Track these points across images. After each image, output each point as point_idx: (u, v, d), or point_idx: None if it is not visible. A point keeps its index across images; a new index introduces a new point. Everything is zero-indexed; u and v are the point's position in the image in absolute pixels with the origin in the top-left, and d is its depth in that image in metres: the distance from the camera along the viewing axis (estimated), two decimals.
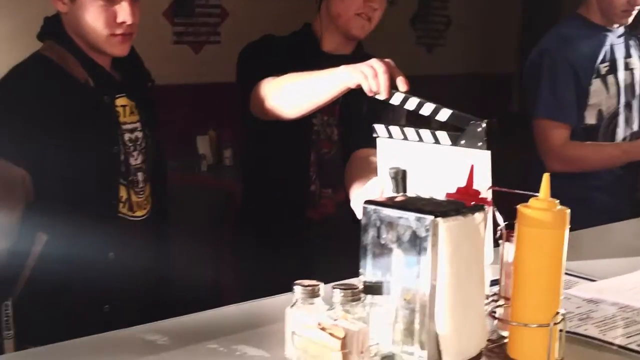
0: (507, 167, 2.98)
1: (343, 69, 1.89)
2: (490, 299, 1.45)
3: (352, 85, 1.86)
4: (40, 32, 2.01)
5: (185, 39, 4.92)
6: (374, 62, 1.82)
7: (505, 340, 1.39)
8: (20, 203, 1.81)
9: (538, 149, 3.06)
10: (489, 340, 1.39)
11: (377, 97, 1.81)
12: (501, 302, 1.43)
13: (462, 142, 1.61)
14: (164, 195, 2.11)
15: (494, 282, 1.47)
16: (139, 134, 2.04)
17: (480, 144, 1.57)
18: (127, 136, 2.00)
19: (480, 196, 1.41)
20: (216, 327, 1.60)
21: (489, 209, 1.41)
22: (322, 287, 1.33)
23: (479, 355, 1.32)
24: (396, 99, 1.79)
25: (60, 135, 1.84)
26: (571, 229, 1.30)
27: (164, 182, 2.11)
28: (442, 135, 1.65)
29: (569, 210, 1.28)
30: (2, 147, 1.77)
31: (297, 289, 1.32)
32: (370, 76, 1.79)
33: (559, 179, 2.92)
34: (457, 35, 6.40)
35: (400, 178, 1.67)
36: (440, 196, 1.40)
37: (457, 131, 1.64)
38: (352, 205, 1.96)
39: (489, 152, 1.56)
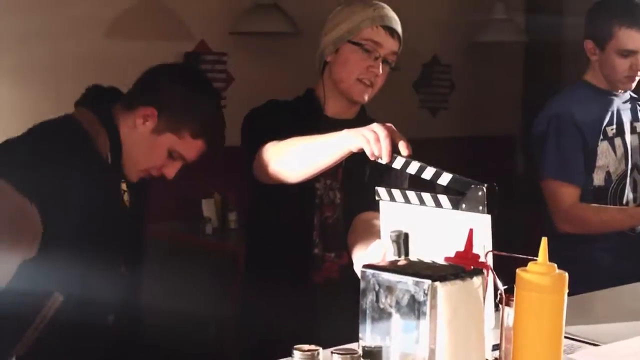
0: (513, 229, 3.01)
1: (345, 133, 1.91)
2: None
3: (355, 149, 1.87)
4: (81, 101, 2.04)
5: None
6: (375, 126, 1.83)
7: None
8: (20, 256, 1.79)
9: (549, 210, 3.08)
10: None
11: (379, 161, 1.83)
12: None
13: (463, 206, 1.62)
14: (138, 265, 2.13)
15: (496, 347, 1.47)
16: (130, 213, 2.09)
17: (480, 207, 1.58)
18: (124, 212, 2.06)
19: (479, 260, 1.42)
20: None
21: (489, 273, 1.42)
22: (322, 352, 1.33)
23: None
24: (398, 163, 1.80)
25: (75, 205, 1.85)
26: (577, 292, 1.30)
27: (141, 253, 2.14)
28: (444, 199, 1.67)
29: (566, 274, 1.29)
30: (26, 194, 1.78)
31: (297, 354, 1.32)
32: (372, 140, 1.80)
33: (567, 239, 2.96)
34: (461, 99, 6.46)
35: (402, 241, 1.68)
36: (441, 260, 1.41)
37: (459, 195, 1.66)
38: (355, 268, 1.96)
39: (489, 216, 1.57)
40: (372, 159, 1.83)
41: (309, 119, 2.39)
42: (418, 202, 1.70)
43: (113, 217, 1.98)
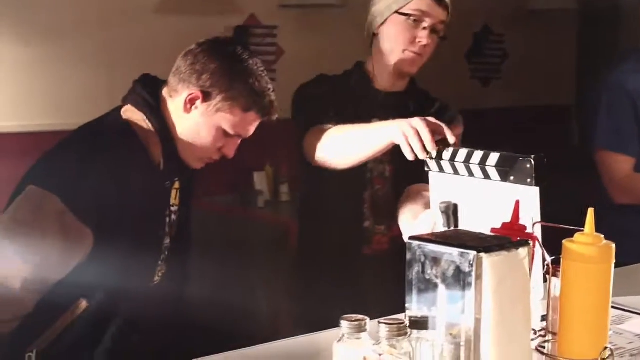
0: (568, 199, 2.98)
1: (390, 125, 1.95)
2: (538, 333, 1.45)
3: (398, 142, 1.90)
4: (129, 97, 1.99)
5: None
6: (415, 122, 1.86)
7: None
8: (72, 266, 1.82)
9: (603, 181, 3.04)
10: None
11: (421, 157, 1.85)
12: (549, 337, 1.43)
13: (512, 178, 1.62)
14: (183, 268, 2.11)
15: (545, 317, 1.47)
16: (175, 216, 2.04)
17: (529, 180, 1.58)
18: (170, 218, 2.02)
19: (525, 231, 1.42)
20: None
21: (536, 244, 1.42)
22: (369, 322, 1.35)
23: None
24: (446, 155, 1.81)
25: (122, 209, 1.84)
26: (631, 263, 1.30)
27: (188, 257, 2.12)
28: (492, 170, 1.67)
29: (614, 245, 1.29)
30: (75, 202, 1.78)
31: (344, 324, 1.34)
32: (411, 136, 1.84)
33: (621, 210, 2.92)
34: (513, 68, 6.38)
35: (451, 212, 1.69)
36: (488, 231, 1.42)
37: (508, 167, 1.66)
38: (405, 240, 1.97)
39: (537, 189, 1.57)
40: (410, 157, 1.86)
41: (359, 93, 2.41)
42: (467, 174, 1.70)
43: (160, 224, 1.96)
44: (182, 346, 2.06)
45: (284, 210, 4.84)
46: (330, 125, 2.20)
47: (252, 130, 2.03)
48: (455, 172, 1.73)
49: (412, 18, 2.31)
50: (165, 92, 1.98)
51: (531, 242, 1.34)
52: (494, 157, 1.72)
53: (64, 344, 1.84)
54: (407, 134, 1.84)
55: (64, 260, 1.80)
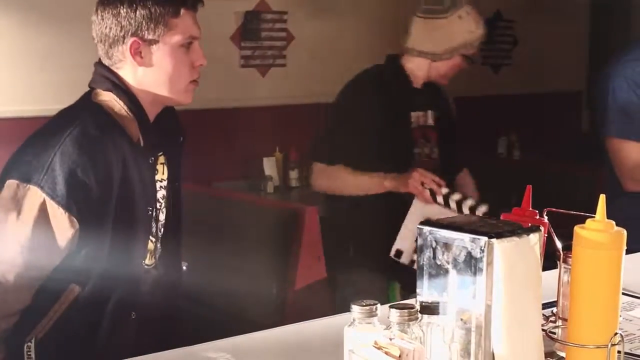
0: (579, 186, 2.97)
1: (393, 179, 2.50)
2: (549, 319, 1.45)
3: (391, 188, 2.51)
4: (94, 81, 1.96)
5: (252, 62, 5.01)
6: (414, 174, 2.46)
7: None
8: (62, 255, 1.82)
9: (614, 168, 3.04)
10: None
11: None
12: (559, 322, 1.43)
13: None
14: (177, 245, 2.09)
15: (548, 304, 1.47)
16: (165, 191, 2.02)
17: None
18: (159, 194, 1.99)
19: (536, 217, 1.42)
20: (277, 345, 1.63)
21: (546, 231, 1.42)
22: (379, 307, 1.35)
23: None
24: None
25: (106, 192, 1.83)
26: None
27: (180, 234, 2.10)
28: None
29: (624, 232, 1.28)
30: (55, 191, 1.76)
31: (355, 309, 1.34)
32: (416, 186, 2.41)
33: (633, 196, 2.91)
34: (524, 54, 6.36)
35: None
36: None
37: None
38: None
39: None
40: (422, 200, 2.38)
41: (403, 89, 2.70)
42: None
43: (148, 201, 1.94)
44: (185, 328, 2.06)
45: (293, 195, 4.86)
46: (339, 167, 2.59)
47: (198, 25, 1.95)
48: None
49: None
50: (113, 67, 1.93)
51: (542, 228, 1.33)
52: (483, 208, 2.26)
53: (60, 331, 1.84)
54: (415, 184, 2.43)
55: (53, 249, 1.80)
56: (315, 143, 2.79)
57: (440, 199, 2.36)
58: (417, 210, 2.44)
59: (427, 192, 2.38)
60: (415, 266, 1.22)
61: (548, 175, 4.73)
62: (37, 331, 1.82)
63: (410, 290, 2.11)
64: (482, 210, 2.33)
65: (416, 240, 1.33)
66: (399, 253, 2.55)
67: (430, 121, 2.65)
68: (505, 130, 5.97)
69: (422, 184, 2.43)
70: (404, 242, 2.51)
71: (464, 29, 2.75)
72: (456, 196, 2.37)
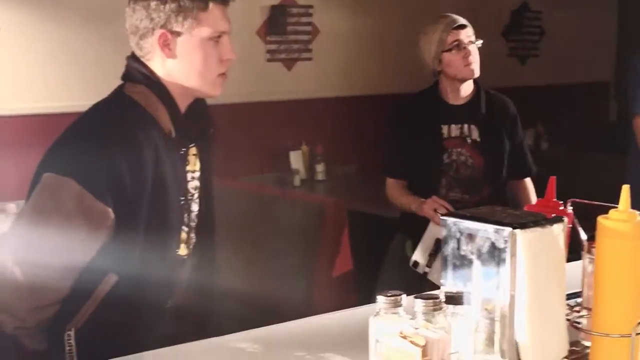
0: (606, 176, 2.96)
1: (414, 205, 2.96)
2: (573, 309, 1.46)
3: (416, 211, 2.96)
4: (127, 74, 1.98)
5: (278, 56, 5.03)
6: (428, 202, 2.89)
7: (588, 350, 1.40)
8: (99, 245, 1.84)
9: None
10: (572, 349, 1.41)
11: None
12: (583, 312, 1.44)
13: None
14: (210, 235, 2.12)
15: (574, 295, 1.48)
16: (198, 182, 2.04)
17: None
18: (190, 184, 2.01)
19: (560, 208, 1.43)
20: (305, 335, 1.66)
21: (571, 221, 1.43)
22: (405, 298, 1.37)
23: None
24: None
25: (139, 183, 1.85)
26: None
27: (213, 224, 2.12)
28: None
29: None
30: (91, 183, 1.79)
31: (380, 299, 1.36)
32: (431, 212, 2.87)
33: None
34: (551, 45, 6.33)
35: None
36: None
37: None
38: None
39: None
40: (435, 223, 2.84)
41: (437, 108, 3.08)
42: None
43: (181, 191, 1.96)
44: (217, 318, 2.09)
45: (319, 189, 4.88)
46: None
47: (227, 20, 1.95)
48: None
49: (455, 48, 2.96)
50: (144, 59, 1.95)
51: (566, 219, 1.35)
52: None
53: (98, 320, 1.88)
54: (429, 212, 2.87)
55: (90, 240, 1.83)
56: (383, 158, 3.22)
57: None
58: (432, 231, 2.86)
59: (439, 217, 2.58)
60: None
61: (575, 167, 4.71)
62: (76, 320, 1.86)
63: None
64: None
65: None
66: (415, 264, 2.93)
67: (467, 133, 3.01)
68: (533, 122, 5.95)
69: (435, 210, 2.82)
70: (420, 255, 2.91)
71: (430, 33, 3.05)
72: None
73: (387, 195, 3.12)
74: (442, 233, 2.20)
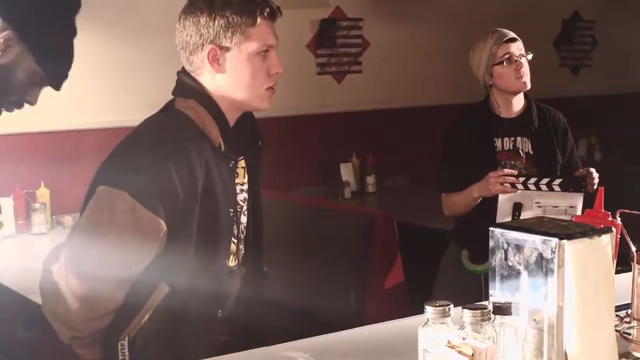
0: None
1: (476, 191, 2.95)
2: (623, 320, 1.46)
3: (477, 195, 2.96)
4: (177, 89, 2.02)
5: (328, 69, 5.07)
6: (489, 176, 2.88)
7: None
8: (152, 256, 1.89)
9: None
10: None
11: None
12: (633, 323, 1.44)
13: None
14: (258, 247, 2.14)
15: (624, 306, 1.47)
16: (246, 194, 2.07)
17: None
18: (239, 197, 2.04)
19: (609, 219, 1.43)
20: (355, 345, 1.67)
21: (619, 232, 1.43)
22: (452, 308, 1.38)
23: None
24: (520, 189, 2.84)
25: (191, 195, 1.89)
26: None
27: (261, 236, 2.15)
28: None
29: None
30: (144, 195, 1.84)
31: (429, 309, 1.38)
32: (491, 187, 2.87)
33: None
34: (604, 55, 6.26)
35: None
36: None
37: None
38: None
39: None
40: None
41: (489, 121, 3.11)
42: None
43: (230, 203, 1.99)
44: (267, 329, 2.12)
45: (370, 200, 4.89)
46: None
47: (275, 34, 1.98)
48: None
49: (506, 61, 3.00)
50: (194, 74, 1.99)
51: (614, 230, 1.34)
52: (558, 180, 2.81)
53: (151, 330, 1.91)
54: (488, 187, 2.87)
55: (143, 252, 1.88)
56: (437, 175, 3.25)
57: (520, 185, 2.80)
58: (502, 202, 2.88)
59: (508, 186, 2.81)
60: None
61: (629, 177, 4.64)
62: (129, 330, 1.90)
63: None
64: (556, 183, 2.78)
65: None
66: None
67: (520, 146, 3.05)
68: (586, 132, 5.88)
69: (502, 183, 2.83)
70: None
71: (480, 48, 3.08)
72: (532, 179, 2.81)
73: (445, 209, 3.13)
74: (516, 196, 2.74)
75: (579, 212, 2.77)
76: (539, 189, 2.80)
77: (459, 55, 3.29)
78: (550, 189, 2.79)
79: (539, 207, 2.82)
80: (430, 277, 3.19)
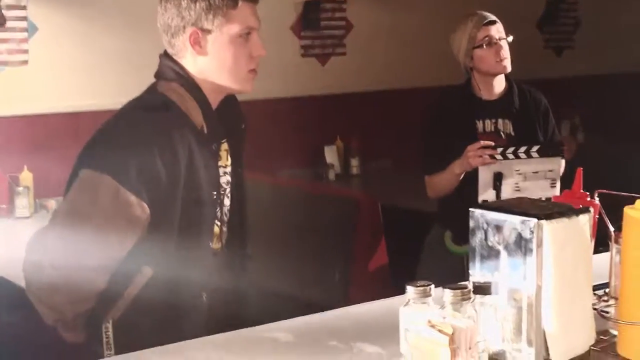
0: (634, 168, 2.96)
1: (457, 167, 2.95)
2: (601, 299, 1.48)
3: (459, 171, 2.96)
4: (160, 72, 2.02)
5: (312, 51, 5.07)
6: (468, 149, 2.89)
7: (616, 339, 1.41)
8: (135, 240, 1.89)
9: None
10: (600, 338, 1.42)
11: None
12: (611, 301, 1.46)
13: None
14: (242, 229, 2.15)
15: (603, 285, 1.50)
16: (229, 177, 2.07)
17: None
18: (222, 179, 2.05)
19: (587, 199, 1.45)
20: (337, 325, 1.69)
21: (597, 212, 1.45)
22: (433, 288, 1.40)
23: (588, 352, 1.36)
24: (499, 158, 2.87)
25: (174, 178, 1.90)
26: None
27: (245, 218, 2.15)
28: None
29: None
30: (127, 178, 1.85)
31: (410, 289, 1.39)
32: (470, 160, 2.88)
33: None
34: (587, 36, 6.28)
35: None
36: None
37: None
38: None
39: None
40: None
41: (470, 104, 3.12)
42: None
43: (213, 186, 2.00)
44: (251, 310, 2.13)
45: (354, 183, 4.91)
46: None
47: (257, 16, 1.99)
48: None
49: (486, 44, 3.01)
50: (176, 57, 2.00)
51: (592, 210, 1.36)
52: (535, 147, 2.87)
53: (135, 313, 1.93)
54: (467, 161, 2.89)
55: (126, 235, 1.89)
56: (422, 160, 3.24)
57: (498, 156, 2.84)
58: (483, 172, 2.90)
59: (487, 158, 2.85)
60: None
61: (611, 158, 4.68)
62: (113, 313, 1.92)
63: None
64: (534, 150, 2.83)
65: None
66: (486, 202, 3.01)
67: (501, 128, 3.06)
68: (569, 113, 5.91)
69: (480, 156, 2.85)
70: (485, 195, 2.93)
71: (460, 32, 3.09)
72: (510, 149, 2.85)
73: (429, 191, 3.14)
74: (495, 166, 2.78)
75: (559, 174, 2.88)
76: (517, 157, 2.85)
77: (442, 38, 3.29)
78: (529, 156, 2.84)
79: (520, 174, 2.86)
80: (414, 258, 3.22)
